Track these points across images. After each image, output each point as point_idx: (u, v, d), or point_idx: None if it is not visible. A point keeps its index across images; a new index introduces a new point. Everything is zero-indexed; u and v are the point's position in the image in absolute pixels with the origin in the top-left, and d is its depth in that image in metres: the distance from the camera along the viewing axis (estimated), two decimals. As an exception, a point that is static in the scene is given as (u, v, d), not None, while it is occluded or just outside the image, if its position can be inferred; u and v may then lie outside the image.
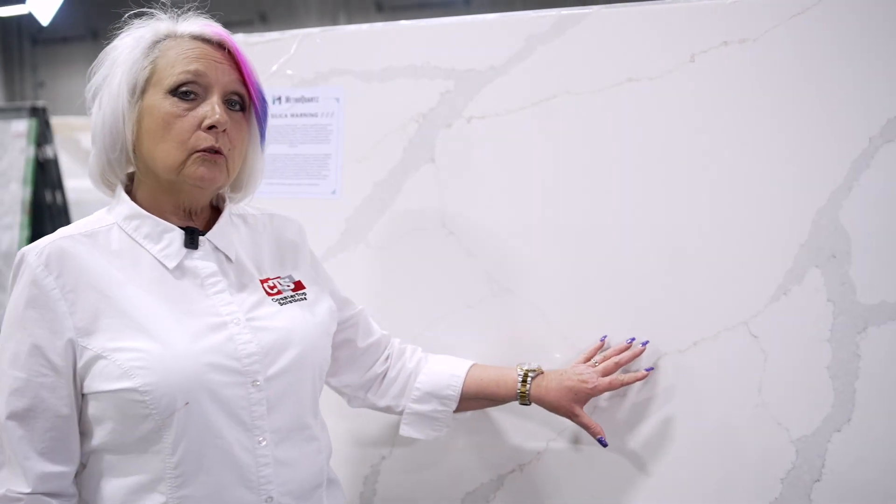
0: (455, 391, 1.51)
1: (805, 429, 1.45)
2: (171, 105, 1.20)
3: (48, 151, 7.43)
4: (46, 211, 7.51)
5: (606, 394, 1.55)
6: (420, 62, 1.71)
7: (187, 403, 1.16)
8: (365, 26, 1.79)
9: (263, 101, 1.30)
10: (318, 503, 1.33)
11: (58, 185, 7.65)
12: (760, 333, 1.47)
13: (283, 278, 1.36)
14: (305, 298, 1.35)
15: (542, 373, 1.51)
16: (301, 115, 1.82)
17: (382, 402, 1.55)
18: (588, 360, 1.52)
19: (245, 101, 1.27)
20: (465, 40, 1.68)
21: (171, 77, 1.21)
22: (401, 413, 1.54)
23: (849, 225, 1.42)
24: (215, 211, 1.35)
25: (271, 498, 1.23)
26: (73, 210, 8.01)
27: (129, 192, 1.28)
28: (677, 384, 1.53)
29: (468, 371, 1.53)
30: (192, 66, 1.21)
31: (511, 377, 1.50)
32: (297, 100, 1.82)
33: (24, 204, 7.18)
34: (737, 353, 1.49)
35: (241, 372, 1.20)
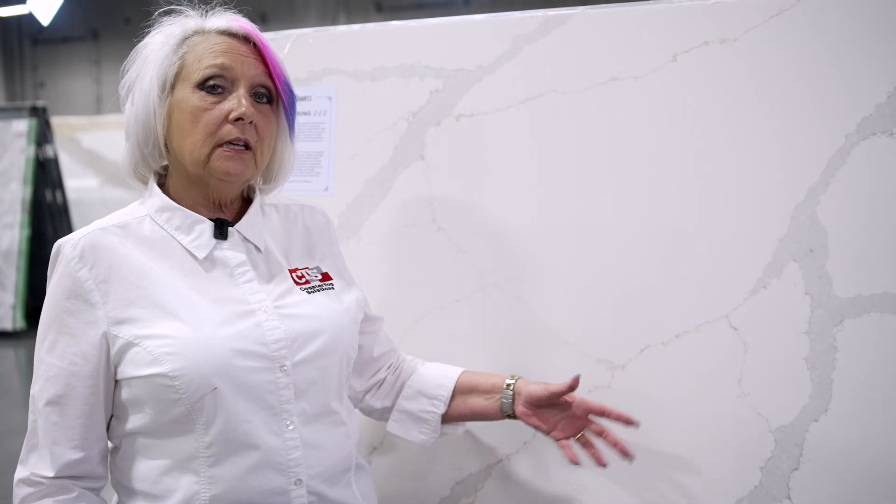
0: (446, 391, 1.54)
1: (784, 418, 1.49)
2: (199, 99, 1.24)
3: (48, 151, 7.47)
4: (46, 210, 7.56)
5: (591, 385, 1.60)
6: (411, 62, 1.75)
7: (215, 388, 1.20)
8: (356, 27, 1.83)
9: (291, 93, 1.33)
10: (348, 487, 1.36)
11: (58, 184, 7.69)
12: (741, 326, 1.51)
13: (312, 269, 1.40)
14: (333, 288, 1.39)
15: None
16: (294, 113, 1.86)
17: (379, 404, 1.58)
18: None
19: (272, 94, 1.31)
20: (455, 40, 1.72)
21: (199, 71, 1.25)
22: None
23: (826, 220, 1.46)
24: (247, 202, 1.39)
25: (300, 480, 1.27)
26: (73, 209, 8.05)
27: (161, 185, 1.33)
28: (660, 375, 1.56)
29: (461, 374, 1.56)
30: (219, 60, 1.25)
31: (500, 377, 1.54)
32: (291, 99, 1.86)
33: (24, 203, 7.24)
34: (718, 345, 1.52)
35: (269, 357, 1.24)
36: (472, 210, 1.71)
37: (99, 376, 1.23)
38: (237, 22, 1.30)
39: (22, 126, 7.36)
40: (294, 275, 1.36)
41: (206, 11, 1.32)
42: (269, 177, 1.40)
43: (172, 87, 1.27)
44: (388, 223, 1.78)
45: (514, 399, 1.50)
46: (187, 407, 1.20)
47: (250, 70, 1.27)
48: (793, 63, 1.48)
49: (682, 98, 1.55)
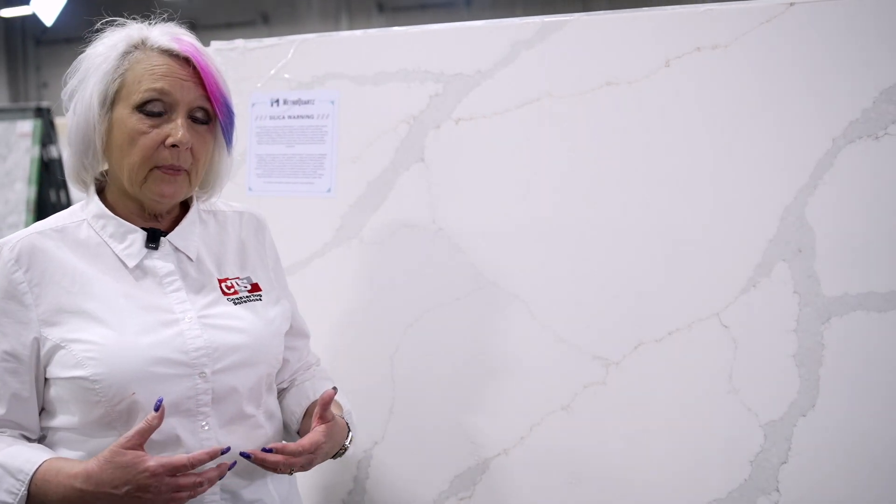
0: (301, 409, 1.50)
1: (773, 414, 1.53)
2: (137, 121, 1.27)
3: (52, 151, 7.50)
4: (50, 210, 7.58)
5: (587, 381, 1.64)
6: (411, 67, 1.80)
7: (134, 393, 1.24)
8: (359, 32, 1.88)
9: (228, 112, 1.34)
10: (263, 486, 1.40)
11: (62, 184, 7.72)
12: (731, 324, 1.55)
13: (242, 279, 1.42)
14: (260, 300, 1.42)
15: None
16: (298, 116, 1.91)
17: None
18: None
19: (210, 114, 1.33)
20: (454, 46, 1.76)
21: (138, 94, 1.27)
22: None
23: (814, 221, 1.50)
24: (185, 207, 1.42)
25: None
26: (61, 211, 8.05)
27: (100, 191, 1.37)
28: (653, 371, 1.60)
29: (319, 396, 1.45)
30: (158, 85, 1.27)
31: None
32: (294, 102, 1.91)
33: (28, 203, 7.26)
34: (709, 342, 1.57)
35: (189, 364, 1.28)
36: (471, 211, 1.75)
37: (31, 374, 1.28)
38: (178, 42, 1.30)
39: (27, 126, 7.39)
40: (223, 285, 1.39)
41: (149, 21, 1.33)
42: (205, 186, 1.42)
43: (112, 103, 1.28)
44: (389, 224, 1.82)
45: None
46: (107, 409, 1.25)
47: (189, 94, 1.29)
48: (782, 68, 1.52)
49: (675, 102, 1.59)
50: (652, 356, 1.61)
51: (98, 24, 1.34)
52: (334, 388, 1.35)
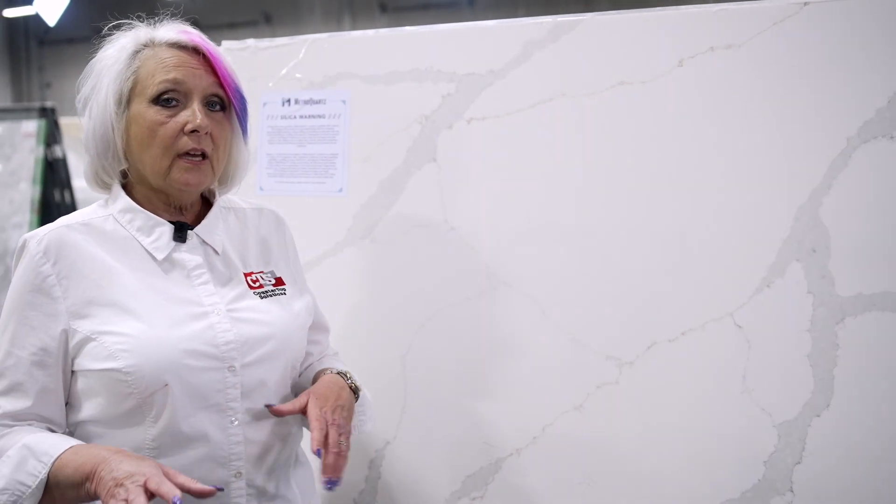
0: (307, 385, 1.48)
1: (786, 414, 1.53)
2: (155, 113, 1.29)
3: (57, 151, 7.51)
4: (55, 210, 7.59)
5: (600, 381, 1.64)
6: (423, 66, 1.80)
7: (166, 385, 1.25)
8: (371, 32, 1.88)
9: (241, 99, 1.37)
10: (287, 482, 1.41)
11: (66, 184, 7.73)
12: (745, 324, 1.55)
13: (266, 273, 1.43)
14: (285, 294, 1.43)
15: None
16: (309, 116, 1.91)
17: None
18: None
19: (225, 102, 1.35)
20: (466, 45, 1.76)
21: (153, 87, 1.29)
22: None
23: (828, 221, 1.50)
24: (206, 203, 1.44)
25: (240, 474, 1.32)
26: (82, 208, 8.08)
27: (125, 187, 1.37)
28: (667, 372, 1.61)
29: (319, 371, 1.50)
30: (171, 75, 1.29)
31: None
32: (306, 102, 1.91)
33: (33, 203, 7.26)
34: (723, 342, 1.57)
35: (219, 358, 1.29)
36: (483, 210, 1.75)
37: (58, 366, 1.28)
38: (186, 34, 1.33)
39: (31, 127, 7.40)
40: (249, 278, 1.40)
41: (155, 21, 1.35)
42: (225, 178, 1.44)
43: (128, 101, 1.31)
44: (400, 223, 1.82)
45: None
46: (138, 401, 1.25)
47: (202, 82, 1.31)
48: (796, 68, 1.52)
49: (689, 102, 1.59)
50: (665, 356, 1.61)
51: (105, 29, 1.36)
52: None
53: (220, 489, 1.22)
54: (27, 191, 7.31)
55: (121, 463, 1.14)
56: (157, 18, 1.36)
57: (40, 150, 7.27)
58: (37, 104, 7.65)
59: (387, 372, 1.82)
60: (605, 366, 1.65)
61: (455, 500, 1.78)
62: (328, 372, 1.45)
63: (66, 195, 7.77)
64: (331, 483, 1.28)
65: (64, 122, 7.94)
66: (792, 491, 1.52)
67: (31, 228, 7.35)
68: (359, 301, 1.87)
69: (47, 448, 1.21)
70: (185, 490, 1.13)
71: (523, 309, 1.71)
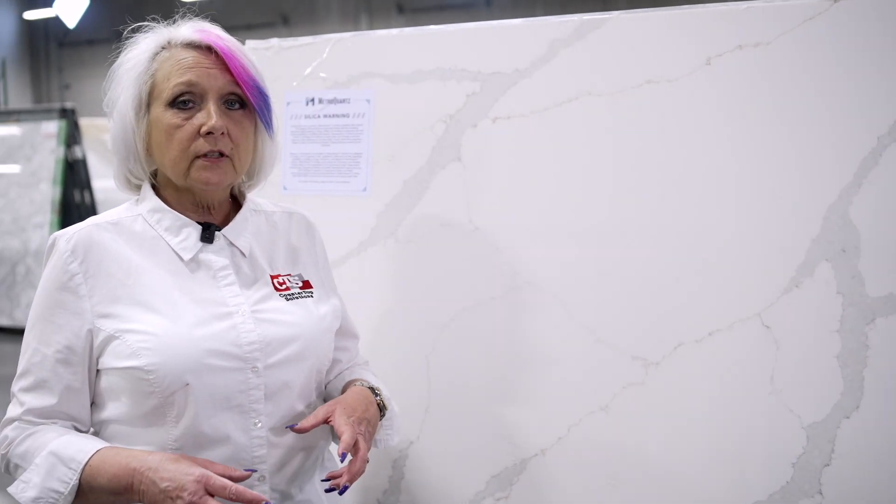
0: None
1: (815, 415, 1.51)
2: (172, 116, 1.29)
3: (77, 152, 7.56)
4: (75, 210, 7.64)
5: (626, 382, 1.63)
6: (447, 65, 1.79)
7: (188, 384, 1.25)
8: (394, 31, 1.87)
9: (261, 95, 1.35)
10: (311, 486, 1.41)
11: (86, 184, 7.78)
12: (773, 324, 1.54)
13: (293, 276, 1.43)
14: (312, 296, 1.43)
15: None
16: (333, 115, 1.91)
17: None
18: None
19: (244, 99, 1.34)
20: (491, 44, 1.76)
21: (168, 90, 1.29)
22: None
23: (858, 220, 1.48)
24: (235, 204, 1.44)
25: (264, 477, 1.32)
26: (101, 209, 8.13)
27: (155, 188, 1.38)
28: (693, 372, 1.59)
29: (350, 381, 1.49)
30: (185, 78, 1.29)
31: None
32: (330, 101, 1.91)
33: (53, 203, 7.32)
34: (750, 342, 1.55)
35: (242, 358, 1.29)
36: (508, 210, 1.74)
37: (84, 364, 1.29)
38: (201, 34, 1.32)
39: (52, 128, 7.46)
40: (275, 281, 1.40)
41: (173, 21, 1.35)
42: (252, 173, 1.43)
43: (148, 105, 1.31)
44: (425, 223, 1.82)
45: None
46: (160, 400, 1.25)
47: (216, 81, 1.30)
48: (826, 66, 1.51)
49: (716, 101, 1.58)
50: (692, 357, 1.60)
51: (126, 31, 1.36)
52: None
53: (254, 470, 1.26)
54: (47, 191, 7.37)
55: (159, 473, 1.17)
56: (176, 18, 1.36)
57: (60, 151, 7.33)
58: (57, 105, 7.71)
59: (410, 371, 1.82)
60: (632, 366, 1.64)
61: (479, 501, 1.77)
62: (358, 383, 1.45)
63: (87, 195, 7.82)
64: (344, 488, 1.27)
65: (84, 122, 7.99)
66: (821, 493, 1.51)
67: (52, 228, 7.42)
68: (383, 301, 1.86)
69: (73, 454, 1.22)
70: (234, 496, 1.18)
71: (548, 309, 1.71)
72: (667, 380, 1.61)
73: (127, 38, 1.35)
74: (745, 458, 1.56)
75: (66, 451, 1.23)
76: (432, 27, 1.84)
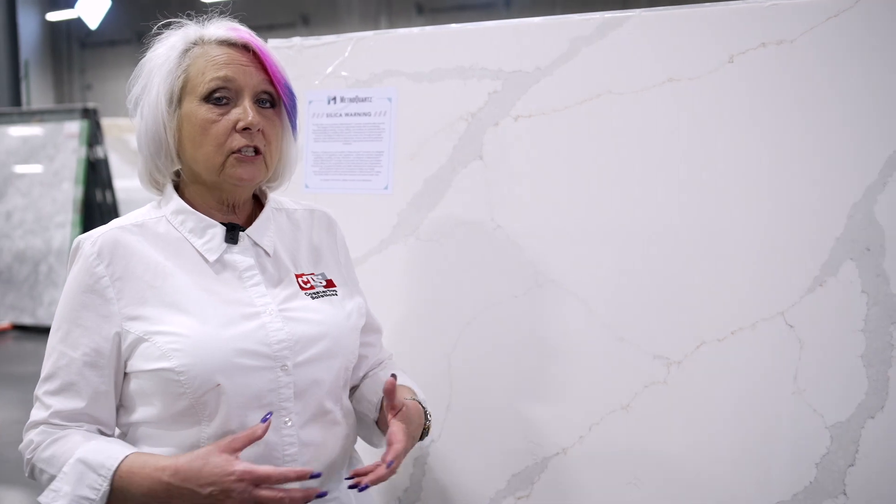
0: (377, 397, 1.49)
1: (839, 415, 1.50)
2: (207, 111, 1.29)
3: (99, 152, 7.63)
4: (97, 209, 7.71)
5: (647, 381, 1.63)
6: (469, 64, 1.79)
7: (219, 384, 1.25)
8: (416, 30, 1.88)
9: (291, 95, 1.37)
10: (339, 483, 1.42)
11: (108, 184, 7.85)
12: (796, 323, 1.53)
13: (317, 275, 1.44)
14: (336, 294, 1.43)
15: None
16: (355, 114, 1.91)
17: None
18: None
19: (275, 98, 1.35)
20: (512, 43, 1.76)
21: (203, 85, 1.30)
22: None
23: (883, 219, 1.47)
24: (258, 203, 1.45)
25: None
26: (122, 209, 8.21)
27: (177, 188, 1.39)
28: (716, 371, 1.59)
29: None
30: (222, 73, 1.30)
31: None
32: (352, 100, 1.92)
33: (75, 203, 7.39)
34: (774, 342, 1.54)
35: (271, 357, 1.29)
36: (530, 208, 1.74)
37: (110, 367, 1.29)
38: (235, 31, 1.33)
39: (74, 127, 7.52)
40: (300, 280, 1.40)
41: (204, 20, 1.36)
42: (276, 175, 1.44)
43: (180, 100, 1.31)
44: (446, 221, 1.82)
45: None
46: (192, 401, 1.26)
47: (252, 79, 1.31)
48: (850, 64, 1.49)
49: (739, 99, 1.57)
50: (714, 356, 1.59)
51: (154, 28, 1.36)
52: (394, 375, 1.34)
53: (317, 474, 1.25)
54: (69, 191, 7.44)
55: (198, 480, 1.19)
56: (205, 16, 1.37)
57: (82, 151, 7.40)
58: (79, 105, 7.77)
59: (432, 369, 1.82)
60: (654, 365, 1.63)
61: (500, 499, 1.77)
62: (411, 397, 1.45)
63: (108, 195, 7.89)
64: (364, 486, 1.27)
65: (105, 122, 8.06)
66: (845, 494, 1.50)
67: (74, 228, 7.50)
68: (404, 299, 1.87)
69: (103, 460, 1.23)
70: (281, 479, 1.21)
71: (570, 307, 1.70)
72: (689, 379, 1.61)
73: (156, 35, 1.36)
74: (769, 458, 1.55)
75: (95, 458, 1.23)
76: (454, 25, 1.84)
